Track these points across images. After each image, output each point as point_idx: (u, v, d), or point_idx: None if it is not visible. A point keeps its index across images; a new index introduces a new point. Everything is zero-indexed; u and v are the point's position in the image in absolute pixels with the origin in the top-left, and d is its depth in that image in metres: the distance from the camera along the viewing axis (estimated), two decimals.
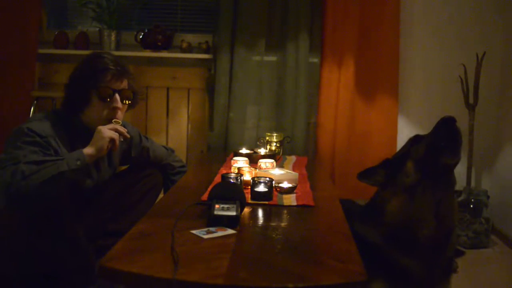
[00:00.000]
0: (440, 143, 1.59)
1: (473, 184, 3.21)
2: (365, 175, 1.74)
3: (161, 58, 3.41)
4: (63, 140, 1.88)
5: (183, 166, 2.46)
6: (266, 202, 1.75)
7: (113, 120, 1.94)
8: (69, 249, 1.81)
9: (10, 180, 1.63)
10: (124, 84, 2.00)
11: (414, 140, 1.70)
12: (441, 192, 1.58)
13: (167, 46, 3.39)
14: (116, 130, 1.87)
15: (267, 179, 1.80)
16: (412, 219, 1.57)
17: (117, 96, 1.95)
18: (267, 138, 2.70)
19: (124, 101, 1.99)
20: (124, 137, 1.90)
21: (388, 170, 1.70)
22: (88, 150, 1.80)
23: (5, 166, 1.67)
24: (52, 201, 1.68)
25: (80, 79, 1.94)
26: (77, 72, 1.98)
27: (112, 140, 1.84)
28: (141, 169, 2.27)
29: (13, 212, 1.68)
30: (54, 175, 1.66)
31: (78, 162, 1.74)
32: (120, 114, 1.98)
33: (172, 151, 2.48)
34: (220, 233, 1.39)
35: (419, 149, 1.63)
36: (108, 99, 1.93)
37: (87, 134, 1.92)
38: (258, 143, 2.79)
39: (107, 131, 1.84)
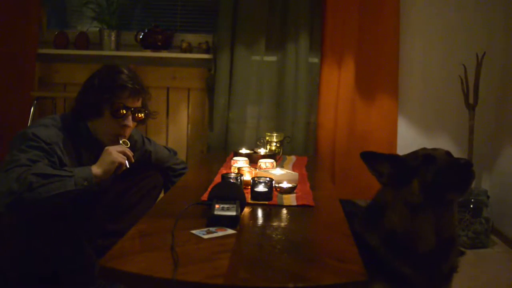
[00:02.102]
0: (451, 183, 1.53)
1: (473, 184, 3.21)
2: (369, 157, 1.66)
3: (161, 58, 3.41)
4: (68, 147, 1.85)
5: (184, 168, 2.45)
6: (266, 202, 1.74)
7: (121, 141, 1.91)
8: (69, 250, 1.81)
9: (17, 188, 1.58)
10: (139, 102, 1.97)
11: (426, 159, 1.59)
12: (442, 213, 1.56)
13: (167, 46, 3.39)
14: (124, 153, 1.83)
15: (267, 179, 1.80)
16: (412, 234, 1.55)
17: (129, 114, 1.92)
18: (267, 138, 2.70)
19: (136, 119, 1.97)
20: (130, 161, 1.87)
21: (393, 171, 1.64)
22: (96, 171, 1.75)
23: (9, 168, 1.64)
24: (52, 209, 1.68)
25: (95, 91, 1.90)
26: (93, 82, 1.92)
27: (120, 163, 1.81)
28: (141, 171, 2.25)
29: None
30: (60, 193, 1.63)
31: (85, 183, 1.70)
32: (128, 131, 1.96)
33: (175, 153, 2.47)
34: (220, 233, 1.39)
35: (428, 174, 1.56)
36: (121, 116, 1.90)
37: (92, 143, 1.92)
38: (258, 143, 2.79)
39: (117, 156, 1.80)
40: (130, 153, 1.87)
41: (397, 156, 1.72)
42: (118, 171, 1.84)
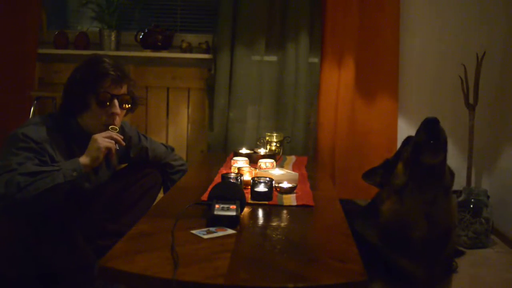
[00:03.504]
0: (421, 143, 1.59)
1: (473, 184, 3.21)
2: (367, 175, 1.77)
3: (161, 58, 3.41)
4: (60, 145, 1.85)
5: (183, 165, 2.43)
6: (266, 202, 1.75)
7: (109, 127, 1.91)
8: (68, 250, 1.81)
9: (4, 191, 1.59)
10: (124, 89, 1.96)
11: (406, 141, 1.71)
12: (431, 193, 1.58)
13: (167, 46, 3.39)
14: (111, 138, 1.83)
15: (267, 179, 1.80)
16: (403, 221, 1.58)
17: (115, 101, 1.91)
18: (267, 138, 2.70)
19: (123, 106, 1.96)
20: (120, 144, 1.87)
21: (385, 171, 1.71)
22: (84, 160, 1.76)
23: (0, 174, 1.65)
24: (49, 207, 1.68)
25: (78, 84, 1.90)
26: (75, 76, 1.93)
27: (108, 148, 1.81)
28: (139, 169, 2.25)
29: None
30: (50, 187, 1.64)
31: (75, 173, 1.71)
32: (118, 120, 1.95)
33: (172, 149, 2.46)
34: (220, 233, 1.39)
35: (407, 150, 1.65)
36: (107, 105, 1.90)
37: (84, 138, 1.90)
38: (258, 143, 2.79)
39: (102, 141, 1.80)
40: (118, 137, 1.86)
41: (388, 159, 1.79)
42: (110, 156, 1.85)
